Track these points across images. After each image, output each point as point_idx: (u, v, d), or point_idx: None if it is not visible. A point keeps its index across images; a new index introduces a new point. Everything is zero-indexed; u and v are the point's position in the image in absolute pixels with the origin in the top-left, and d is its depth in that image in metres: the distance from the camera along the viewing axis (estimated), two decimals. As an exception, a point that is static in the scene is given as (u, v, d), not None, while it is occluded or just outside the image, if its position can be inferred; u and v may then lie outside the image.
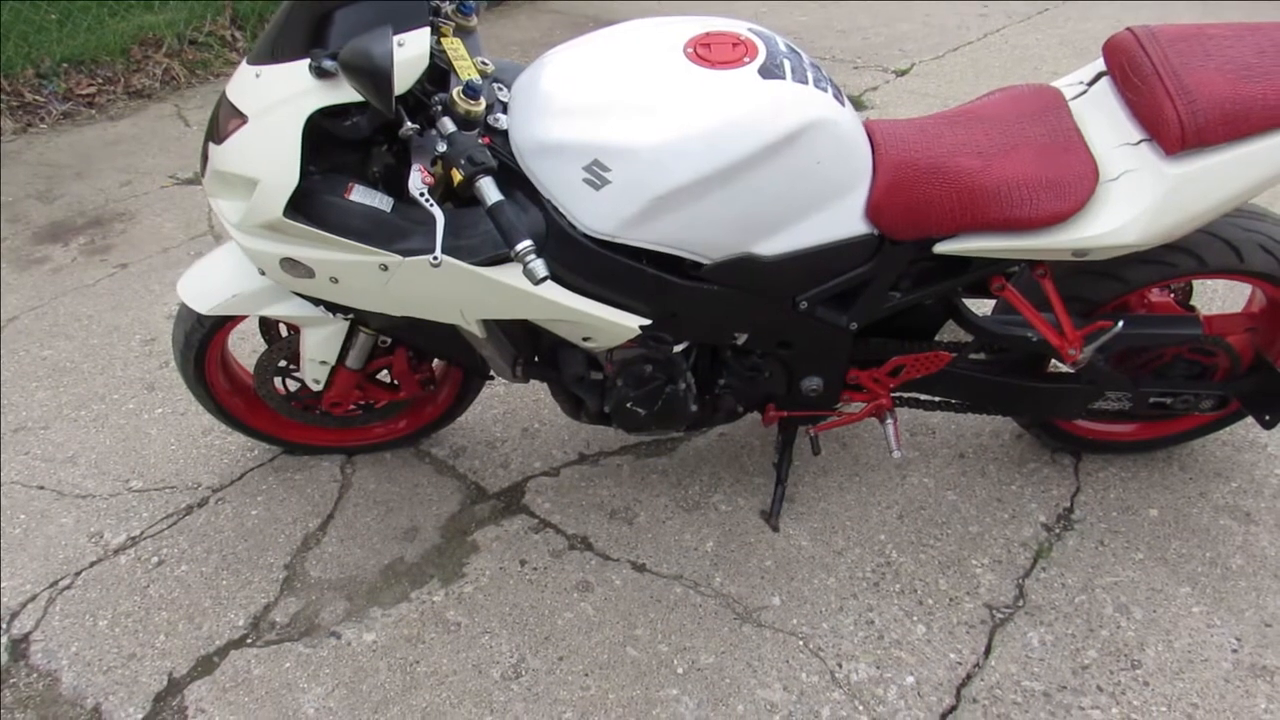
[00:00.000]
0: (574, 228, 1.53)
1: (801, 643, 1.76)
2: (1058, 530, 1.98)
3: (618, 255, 1.56)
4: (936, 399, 1.99)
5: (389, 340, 1.94)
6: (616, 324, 1.62)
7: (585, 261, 1.57)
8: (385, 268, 1.54)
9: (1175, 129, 1.50)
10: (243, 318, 1.88)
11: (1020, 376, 1.91)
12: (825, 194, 1.59)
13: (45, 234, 3.26)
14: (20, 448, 2.29)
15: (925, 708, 1.64)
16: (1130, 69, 1.60)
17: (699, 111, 1.48)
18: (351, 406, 2.06)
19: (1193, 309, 1.96)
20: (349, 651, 1.76)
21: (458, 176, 1.39)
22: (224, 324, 1.89)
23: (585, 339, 1.70)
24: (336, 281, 1.59)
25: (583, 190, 1.50)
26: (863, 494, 2.08)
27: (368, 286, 1.59)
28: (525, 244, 1.32)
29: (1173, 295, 1.98)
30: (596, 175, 1.48)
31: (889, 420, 1.94)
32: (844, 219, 1.62)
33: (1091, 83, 1.71)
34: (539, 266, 1.33)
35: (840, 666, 1.71)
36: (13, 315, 2.82)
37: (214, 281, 1.79)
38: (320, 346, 1.86)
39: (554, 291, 1.58)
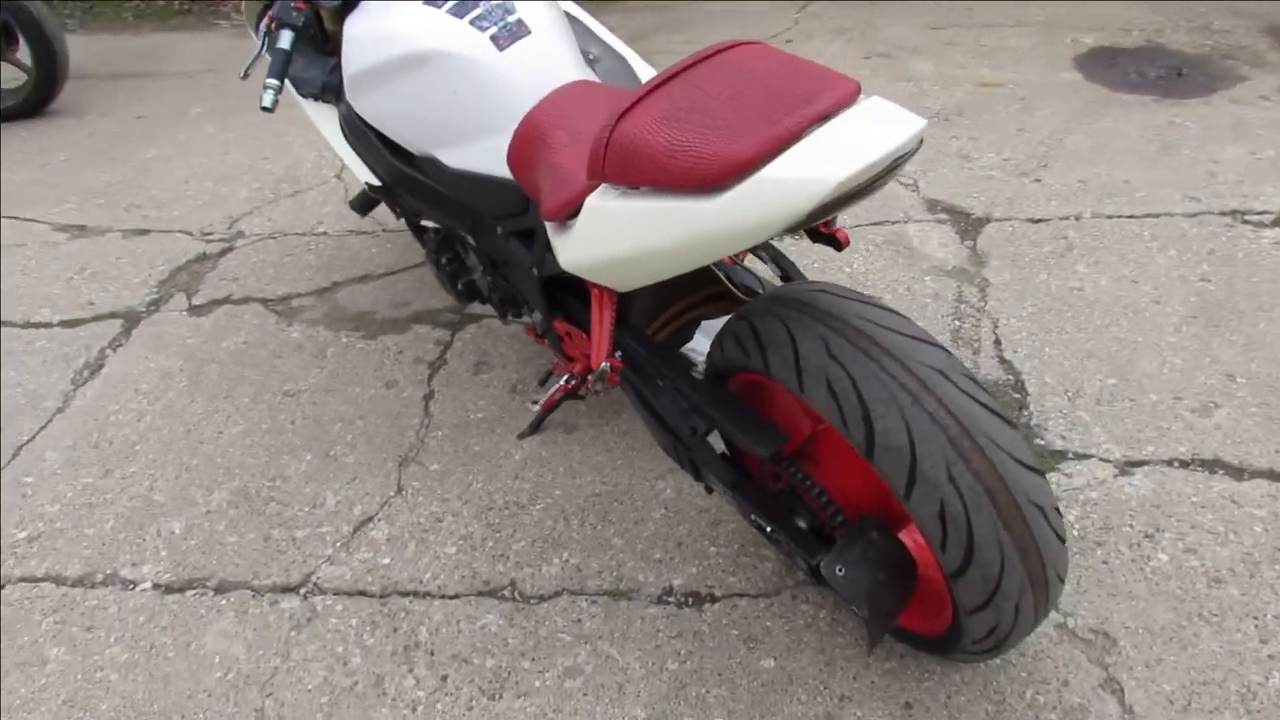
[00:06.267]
0: (343, 85, 1.97)
1: (351, 477, 2.03)
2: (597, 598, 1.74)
3: (359, 118, 1.95)
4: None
5: None
6: (353, 170, 2.02)
7: (346, 115, 2.00)
8: None
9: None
10: None
11: (650, 394, 1.67)
12: (470, 126, 1.71)
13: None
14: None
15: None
16: None
17: (381, 19, 1.76)
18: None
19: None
20: (262, 327, 2.59)
21: (272, 26, 1.96)
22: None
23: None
24: None
25: (343, 60, 1.92)
26: (587, 450, 2.06)
27: None
28: (269, 81, 1.85)
29: None
30: (344, 51, 1.89)
31: (560, 379, 1.91)
32: (492, 158, 1.71)
33: None
34: (265, 97, 1.85)
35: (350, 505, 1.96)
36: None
37: None
38: None
39: (326, 130, 2.05)
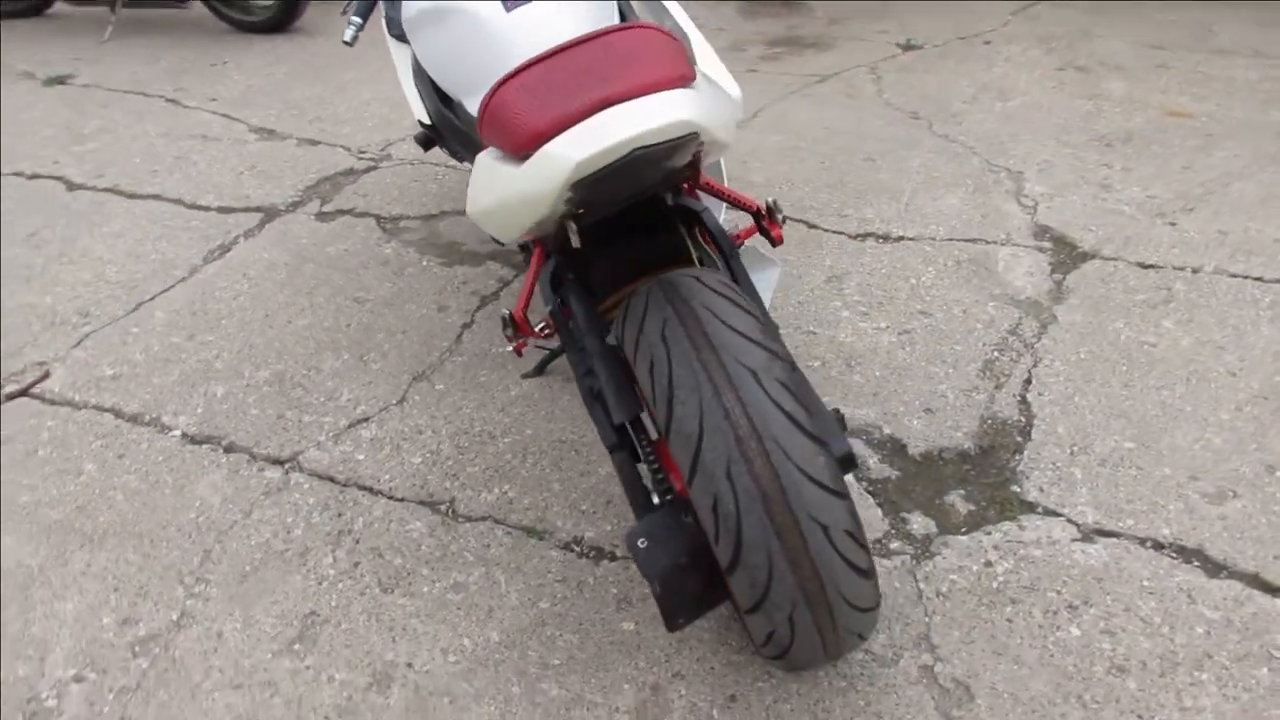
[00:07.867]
0: None
1: (369, 380, 2.24)
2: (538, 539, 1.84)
3: (417, 58, 2.14)
4: None
5: None
6: (411, 107, 2.22)
7: (413, 55, 2.20)
8: None
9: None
10: None
11: (571, 352, 1.75)
12: (480, 78, 1.85)
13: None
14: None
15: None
16: None
17: None
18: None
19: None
20: (365, 240, 2.89)
21: None
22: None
23: None
24: None
25: (402, 4, 2.12)
26: (574, 400, 2.17)
27: None
28: (352, 18, 2.11)
29: None
30: None
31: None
32: None
33: None
34: (346, 32, 2.12)
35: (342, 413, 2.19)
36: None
37: None
38: None
39: (399, 67, 2.26)
